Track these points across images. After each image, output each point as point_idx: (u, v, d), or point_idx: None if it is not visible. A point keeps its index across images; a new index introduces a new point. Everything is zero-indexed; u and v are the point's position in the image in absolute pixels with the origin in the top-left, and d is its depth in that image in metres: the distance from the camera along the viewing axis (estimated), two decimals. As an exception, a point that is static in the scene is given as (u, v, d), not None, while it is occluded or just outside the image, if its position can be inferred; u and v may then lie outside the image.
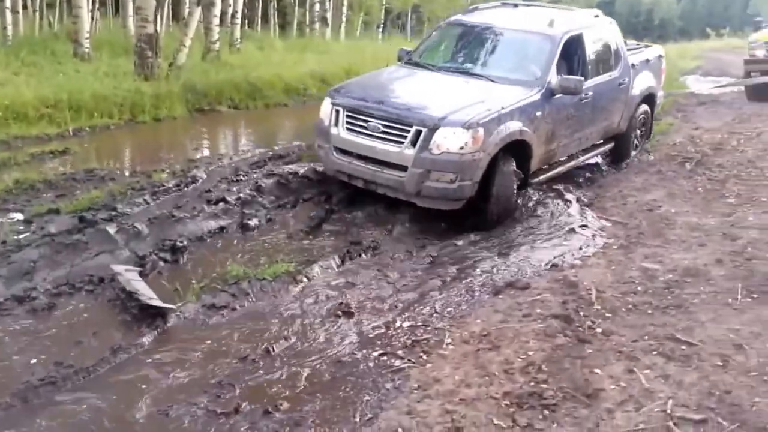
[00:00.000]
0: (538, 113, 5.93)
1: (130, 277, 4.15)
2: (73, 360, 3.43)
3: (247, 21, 24.69)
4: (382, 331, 3.87)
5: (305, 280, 4.53)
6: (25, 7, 15.40)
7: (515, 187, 5.79)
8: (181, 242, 4.81)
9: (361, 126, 5.75)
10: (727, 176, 6.85)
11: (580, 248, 5.10)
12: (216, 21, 13.18)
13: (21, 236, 4.84)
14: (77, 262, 4.45)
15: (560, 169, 6.72)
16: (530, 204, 6.24)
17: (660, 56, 8.55)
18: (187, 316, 3.95)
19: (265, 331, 3.84)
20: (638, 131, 8.08)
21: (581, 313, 3.86)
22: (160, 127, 8.99)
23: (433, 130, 5.37)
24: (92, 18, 15.33)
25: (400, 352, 3.59)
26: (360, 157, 5.76)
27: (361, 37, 29.20)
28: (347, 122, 5.85)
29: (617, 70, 7.27)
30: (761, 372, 3.13)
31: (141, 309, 3.88)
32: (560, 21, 6.68)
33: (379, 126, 5.60)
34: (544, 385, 3.14)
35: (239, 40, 15.51)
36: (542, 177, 6.39)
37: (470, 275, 4.71)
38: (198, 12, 12.33)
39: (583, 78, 6.30)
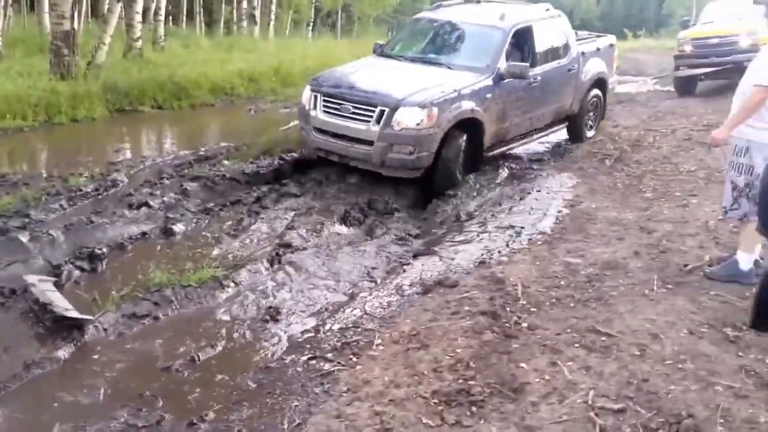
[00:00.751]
0: (489, 95, 6.81)
1: (44, 288, 3.96)
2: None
3: (171, 18, 24.03)
4: (312, 334, 3.84)
5: (233, 285, 4.43)
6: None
7: (460, 158, 6.60)
8: (100, 250, 4.63)
9: (335, 108, 6.58)
10: (644, 172, 7.12)
11: (507, 245, 5.20)
12: (138, 18, 12.77)
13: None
14: (-14, 273, 4.22)
15: (514, 144, 7.70)
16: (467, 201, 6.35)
17: (611, 45, 9.31)
18: (105, 327, 3.79)
19: (189, 339, 3.74)
20: (591, 113, 8.89)
21: (508, 309, 3.91)
22: (78, 129, 8.62)
23: (394, 109, 6.22)
24: (5, 15, 14.56)
25: (329, 355, 3.56)
26: (335, 135, 6.59)
27: (291, 35, 28.92)
28: (324, 105, 6.69)
29: (566, 58, 8.07)
30: (676, 360, 3.24)
31: (56, 321, 3.70)
32: (511, 15, 7.51)
33: (350, 108, 6.46)
34: (472, 382, 3.16)
35: (163, 37, 15.08)
36: (497, 151, 7.35)
37: (400, 274, 4.73)
38: (118, 8, 11.91)
39: (528, 65, 7.14)
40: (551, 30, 8.03)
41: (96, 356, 3.53)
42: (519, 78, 7.02)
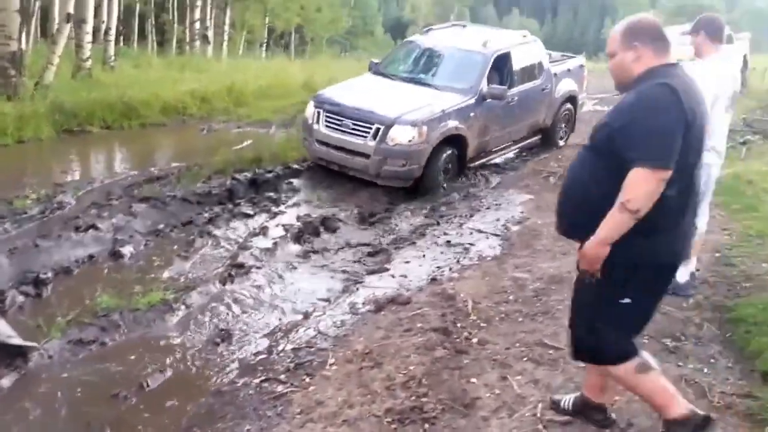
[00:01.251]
0: (471, 114, 7.68)
1: (-14, 315, 3.84)
2: None
3: (122, 38, 23.70)
4: (264, 356, 3.83)
5: (183, 307, 4.38)
6: None
7: (444, 169, 7.49)
8: (45, 274, 4.51)
9: (336, 123, 7.35)
10: (587, 189, 7.32)
11: (458, 261, 5.29)
12: (88, 38, 12.53)
13: None
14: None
15: (493, 156, 8.64)
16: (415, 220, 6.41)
17: (581, 66, 10.26)
18: (51, 354, 3.69)
19: (138, 365, 3.68)
20: (563, 125, 9.89)
21: (459, 325, 3.97)
22: (24, 150, 8.37)
23: (389, 127, 7.05)
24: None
25: (282, 377, 3.55)
26: (335, 147, 7.34)
27: (244, 55, 28.83)
28: (326, 120, 7.44)
29: (540, 79, 8.99)
30: None
31: (-2, 349, 3.59)
32: (493, 41, 8.39)
33: (350, 123, 7.24)
34: (425, 399, 3.20)
35: (113, 57, 14.84)
36: (477, 162, 8.23)
37: (354, 293, 4.76)
38: (68, 28, 11.67)
39: (506, 87, 8.01)
40: (528, 54, 8.88)
41: (41, 384, 3.44)
42: (498, 99, 7.85)
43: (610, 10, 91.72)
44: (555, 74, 9.30)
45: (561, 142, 9.86)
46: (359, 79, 8.72)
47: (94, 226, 5.41)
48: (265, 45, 36.73)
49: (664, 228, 2.35)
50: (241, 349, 3.90)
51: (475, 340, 3.78)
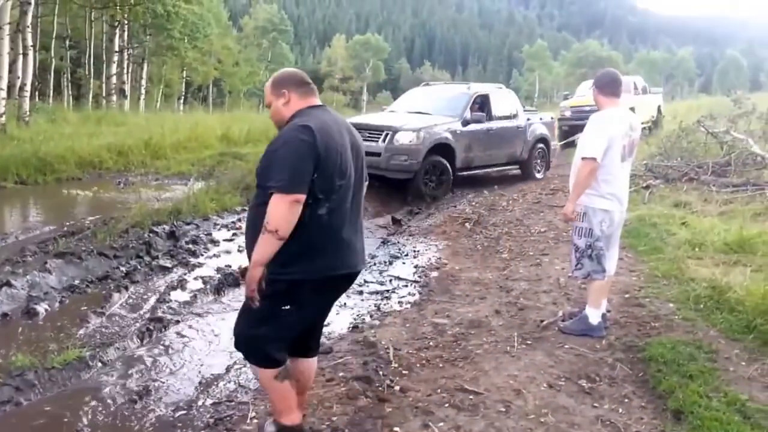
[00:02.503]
0: (458, 131, 10.76)
1: None
2: None
3: (38, 93, 23.02)
4: (184, 412, 3.72)
5: (100, 365, 4.25)
6: None
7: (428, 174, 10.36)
8: (-47, 335, 4.30)
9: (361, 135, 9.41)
10: (500, 234, 7.65)
11: (378, 308, 5.38)
12: (2, 94, 12.23)
13: None
14: None
15: (478, 171, 11.57)
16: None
17: (552, 118, 14.26)
18: (-42, 418, 3.50)
19: (53, 425, 3.54)
20: (539, 160, 12.86)
21: (381, 373, 3.99)
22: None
23: (395, 132, 10.00)
24: None
25: (201, 434, 3.48)
26: None
27: (162, 108, 28.55)
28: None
29: (515, 120, 12.13)
30: (538, 414, 3.41)
31: None
32: (474, 87, 12.20)
33: (366, 134, 9.73)
34: None
35: (28, 113, 14.47)
36: (465, 173, 11.13)
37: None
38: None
39: (485, 115, 11.29)
40: (503, 99, 12.29)
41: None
42: (477, 122, 11.03)
43: (517, 63, 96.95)
44: (528, 119, 12.50)
45: (539, 175, 12.66)
46: (371, 113, 12.31)
47: (8, 284, 5.20)
48: (183, 98, 36.53)
49: (322, 246, 2.69)
50: (160, 406, 3.80)
51: (397, 388, 3.78)
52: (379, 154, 9.80)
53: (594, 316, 4.51)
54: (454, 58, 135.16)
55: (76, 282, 5.62)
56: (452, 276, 6.09)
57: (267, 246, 2.57)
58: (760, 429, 3.20)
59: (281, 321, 2.76)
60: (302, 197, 2.54)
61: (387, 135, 10.00)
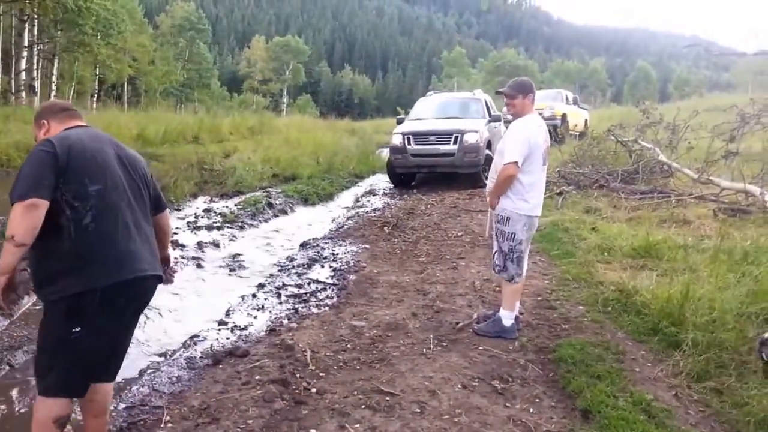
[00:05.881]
0: (488, 129, 12.71)
1: None
2: None
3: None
4: (94, 417, 3.55)
5: (6, 368, 4.06)
6: None
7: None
8: None
9: (423, 140, 12.39)
10: (419, 237, 7.74)
11: (296, 311, 5.32)
12: None
13: None
14: None
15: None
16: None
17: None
18: None
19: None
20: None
21: (298, 375, 3.96)
22: None
23: (463, 134, 12.01)
24: None
25: (113, 439, 3.33)
26: (427, 155, 12.37)
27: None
28: (415, 141, 12.43)
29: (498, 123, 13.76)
30: (452, 414, 3.46)
31: None
32: (478, 93, 14.53)
33: (434, 139, 12.26)
34: None
35: (-76, 108, 13.41)
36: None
37: (191, 346, 4.62)
38: None
39: (500, 114, 13.33)
40: (492, 103, 14.32)
41: None
42: (496, 121, 13.32)
43: (436, 69, 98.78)
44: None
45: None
46: (410, 122, 13.38)
47: None
48: (96, 96, 35.00)
49: (92, 255, 2.59)
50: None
51: (314, 390, 3.77)
52: (453, 154, 11.95)
53: (507, 318, 4.61)
54: (375, 63, 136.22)
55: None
56: (370, 279, 6.10)
57: (7, 254, 2.51)
58: (665, 428, 3.32)
59: (75, 346, 2.61)
60: (38, 201, 2.47)
61: (456, 137, 11.95)
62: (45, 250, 2.56)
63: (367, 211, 9.82)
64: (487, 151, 12.12)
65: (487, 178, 12.28)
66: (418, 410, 3.51)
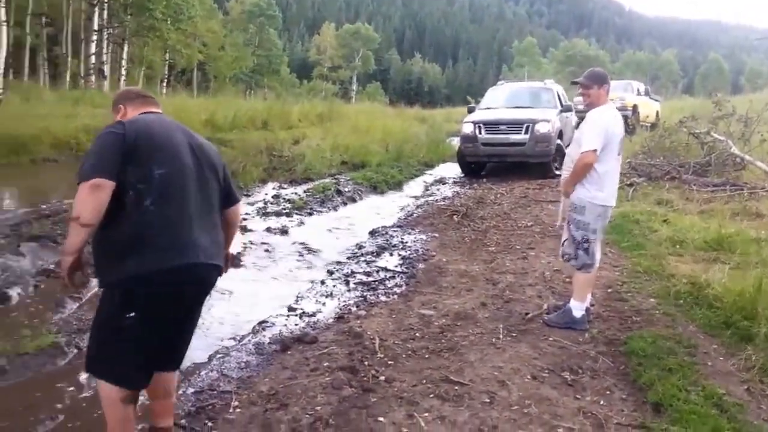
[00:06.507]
0: (558, 118, 12.52)
1: None
2: None
3: (12, 71, 22.54)
4: (164, 400, 3.65)
5: (75, 351, 4.14)
6: None
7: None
8: None
9: (494, 130, 12.36)
10: (488, 227, 7.64)
11: (365, 299, 5.32)
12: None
13: None
14: None
15: None
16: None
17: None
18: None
19: (27, 412, 3.43)
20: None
21: (366, 363, 3.96)
22: None
23: (534, 124, 11.90)
24: None
25: (183, 421, 3.39)
26: (498, 144, 12.34)
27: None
28: (486, 130, 12.42)
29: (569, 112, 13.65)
30: (521, 405, 3.42)
31: None
32: (549, 83, 14.35)
33: (505, 128, 12.21)
34: None
35: (2, 91, 14.11)
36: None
37: (259, 332, 4.67)
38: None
39: (571, 104, 13.39)
40: (563, 93, 14.12)
41: None
42: (568, 111, 13.09)
43: (506, 58, 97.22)
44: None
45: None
46: (479, 111, 13.35)
47: (-23, 267, 5.06)
48: (165, 81, 35.92)
49: (151, 238, 2.55)
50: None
51: (382, 378, 3.77)
52: (523, 144, 11.90)
53: (578, 309, 4.54)
54: (445, 51, 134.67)
55: (51, 266, 5.46)
56: (439, 268, 6.06)
57: (73, 235, 2.51)
58: (736, 422, 3.23)
59: (129, 333, 2.58)
60: (103, 182, 2.46)
61: (528, 127, 11.88)
62: (105, 232, 2.55)
63: (436, 200, 9.75)
64: (558, 141, 12.10)
65: (557, 168, 12.32)
66: (488, 400, 3.48)
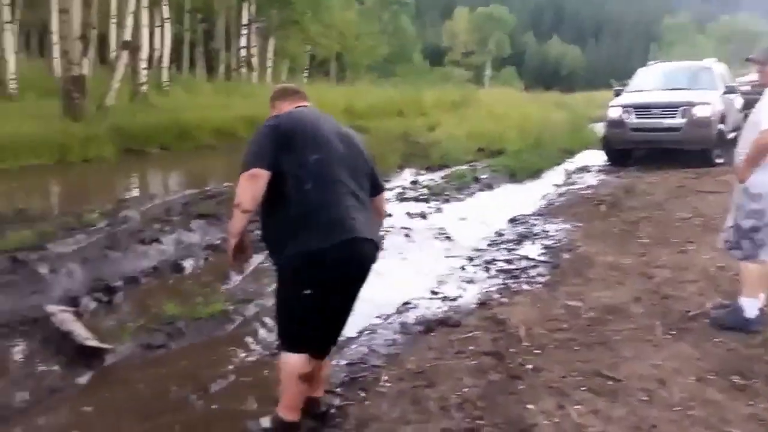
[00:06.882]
0: (722, 102, 11.08)
1: (64, 318, 4.04)
2: (6, 400, 3.33)
3: (174, 64, 24.44)
4: (318, 369, 3.87)
5: (240, 318, 4.51)
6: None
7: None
8: (115, 282, 4.73)
9: (646, 114, 11.16)
10: (639, 218, 7.25)
11: (507, 287, 5.29)
12: (143, 64, 13.07)
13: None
14: (9, 303, 4.31)
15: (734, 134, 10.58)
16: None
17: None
18: (123, 355, 3.87)
19: (201, 369, 3.80)
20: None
21: (511, 350, 3.93)
22: (90, 168, 8.78)
23: (692, 106, 10.63)
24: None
25: (338, 390, 3.58)
26: (649, 130, 11.09)
27: (288, 81, 29.39)
28: (636, 114, 11.22)
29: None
30: (684, 407, 3.22)
31: (76, 350, 3.78)
32: (708, 61, 12.80)
33: (658, 112, 11.01)
34: (481, 421, 3.15)
35: (168, 82, 15.39)
36: (729, 136, 10.69)
37: (403, 313, 4.80)
38: (125, 55, 12.20)
39: (735, 85, 11.93)
40: (728, 73, 12.94)
41: (114, 383, 3.60)
42: (732, 93, 11.55)
43: (656, 35, 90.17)
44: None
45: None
46: (627, 95, 12.26)
47: (157, 240, 5.62)
48: (307, 72, 37.19)
49: (315, 218, 2.76)
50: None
51: (529, 366, 3.71)
52: (679, 129, 10.68)
53: (750, 307, 4.13)
54: (585, 32, 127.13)
55: (217, 242, 5.94)
56: (586, 258, 5.86)
57: (235, 219, 2.77)
58: None
59: (309, 306, 2.83)
60: (260, 171, 2.70)
61: (684, 110, 10.68)
62: (273, 217, 2.83)
63: (580, 188, 9.43)
64: (720, 126, 10.82)
65: (719, 156, 11.13)
66: (646, 398, 3.32)
